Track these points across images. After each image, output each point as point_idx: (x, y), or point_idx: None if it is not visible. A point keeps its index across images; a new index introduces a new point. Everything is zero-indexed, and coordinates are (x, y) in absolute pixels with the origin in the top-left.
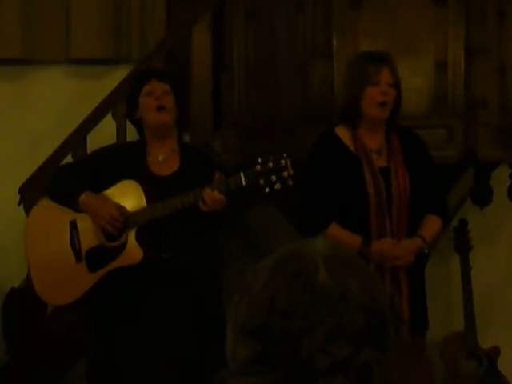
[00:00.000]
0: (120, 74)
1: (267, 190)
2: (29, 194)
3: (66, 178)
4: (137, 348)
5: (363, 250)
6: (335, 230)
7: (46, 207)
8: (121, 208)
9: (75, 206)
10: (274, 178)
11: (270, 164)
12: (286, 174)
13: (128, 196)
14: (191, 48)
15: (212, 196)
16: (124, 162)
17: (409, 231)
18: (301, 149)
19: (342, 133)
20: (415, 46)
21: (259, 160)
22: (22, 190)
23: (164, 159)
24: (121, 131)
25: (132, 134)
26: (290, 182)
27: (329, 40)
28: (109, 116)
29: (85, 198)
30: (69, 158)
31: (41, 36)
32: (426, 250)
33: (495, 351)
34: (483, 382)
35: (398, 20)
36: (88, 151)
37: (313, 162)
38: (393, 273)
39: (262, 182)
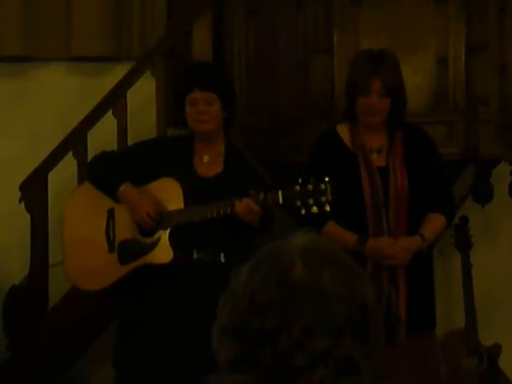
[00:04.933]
0: (121, 71)
1: (303, 211)
2: (30, 191)
3: (109, 166)
4: (166, 342)
5: (358, 247)
6: (331, 227)
7: (87, 191)
8: (160, 205)
9: (114, 196)
10: (311, 201)
11: (310, 186)
12: (324, 198)
13: (167, 194)
14: (192, 45)
15: (249, 205)
16: (170, 157)
17: (410, 230)
18: (301, 145)
19: (343, 131)
20: (416, 42)
21: (299, 180)
22: (22, 187)
23: (209, 161)
24: (121, 129)
25: (133, 131)
26: (328, 208)
27: (329, 36)
28: (109, 113)
29: (124, 189)
30: (69, 156)
31: (42, 33)
32: (426, 249)
33: (496, 348)
34: (484, 379)
35: (399, 17)
36: (89, 149)
37: (311, 160)
38: (390, 271)
39: (298, 203)
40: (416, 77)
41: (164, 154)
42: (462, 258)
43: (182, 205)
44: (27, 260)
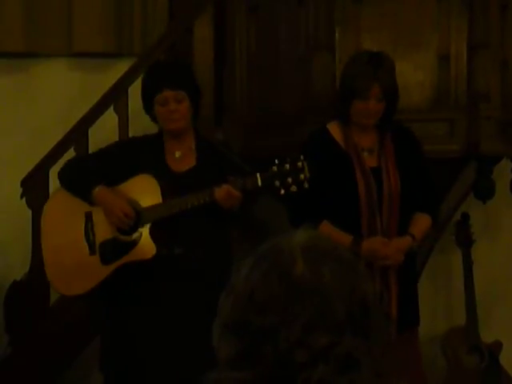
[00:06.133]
0: (122, 67)
1: (282, 191)
2: (31, 187)
3: (81, 171)
4: (151, 341)
5: (354, 248)
6: (326, 228)
7: (62, 198)
8: (134, 203)
9: (89, 200)
10: (289, 180)
11: (287, 166)
12: (302, 176)
13: (144, 191)
14: (193, 42)
15: (229, 190)
16: (142, 155)
17: (399, 230)
18: (303, 142)
19: (334, 129)
20: (418, 39)
21: (276, 161)
22: (24, 183)
23: (181, 156)
24: (123, 125)
25: (134, 127)
26: (306, 185)
27: (331, 33)
28: (111, 109)
29: (98, 191)
30: (71, 152)
31: (43, 29)
32: (415, 249)
33: (497, 345)
34: (485, 376)
35: (401, 13)
36: (90, 145)
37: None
38: (382, 271)
39: (277, 183)
40: (417, 74)
41: (135, 154)
42: (463, 255)
43: (160, 199)
44: (28, 256)
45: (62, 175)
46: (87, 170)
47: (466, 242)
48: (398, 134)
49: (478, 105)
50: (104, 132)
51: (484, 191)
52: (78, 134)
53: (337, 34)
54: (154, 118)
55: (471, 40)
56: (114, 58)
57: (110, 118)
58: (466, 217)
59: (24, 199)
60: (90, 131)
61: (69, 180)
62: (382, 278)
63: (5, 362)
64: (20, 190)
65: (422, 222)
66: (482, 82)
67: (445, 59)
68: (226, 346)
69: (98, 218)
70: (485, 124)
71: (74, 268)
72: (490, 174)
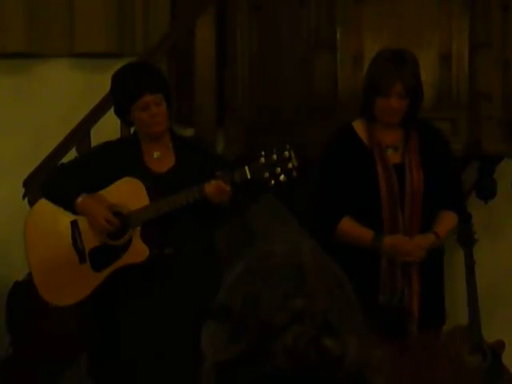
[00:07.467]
0: None
1: (272, 182)
2: (33, 187)
3: (62, 180)
4: (141, 343)
5: (375, 244)
6: (347, 223)
7: (44, 209)
8: (122, 207)
9: (73, 210)
10: (278, 170)
11: (274, 156)
12: (290, 165)
13: (130, 194)
14: (195, 42)
15: (219, 185)
16: (121, 159)
17: (424, 227)
18: (304, 142)
19: (359, 127)
20: (419, 39)
21: (263, 153)
22: (26, 184)
23: (159, 156)
24: (124, 125)
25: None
26: (295, 174)
27: (332, 33)
28: (112, 110)
29: (81, 201)
30: (73, 152)
31: (45, 30)
32: (439, 246)
33: (500, 345)
34: (487, 376)
35: (402, 13)
36: (92, 145)
37: (327, 157)
38: (404, 268)
39: (266, 174)
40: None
41: (114, 158)
42: (465, 255)
43: (147, 201)
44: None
45: (43, 187)
46: (68, 179)
47: (467, 241)
48: (426, 132)
49: (479, 104)
50: (106, 132)
51: (486, 191)
52: (79, 134)
53: (338, 34)
54: (128, 123)
55: (473, 39)
56: (116, 58)
57: (111, 118)
58: (467, 216)
59: (26, 199)
60: (92, 131)
61: (51, 192)
62: (403, 274)
63: (6, 363)
64: (22, 191)
65: (447, 220)
66: (483, 82)
67: (446, 59)
68: (217, 335)
69: (85, 225)
70: (486, 123)
71: (65, 278)
72: (491, 174)
